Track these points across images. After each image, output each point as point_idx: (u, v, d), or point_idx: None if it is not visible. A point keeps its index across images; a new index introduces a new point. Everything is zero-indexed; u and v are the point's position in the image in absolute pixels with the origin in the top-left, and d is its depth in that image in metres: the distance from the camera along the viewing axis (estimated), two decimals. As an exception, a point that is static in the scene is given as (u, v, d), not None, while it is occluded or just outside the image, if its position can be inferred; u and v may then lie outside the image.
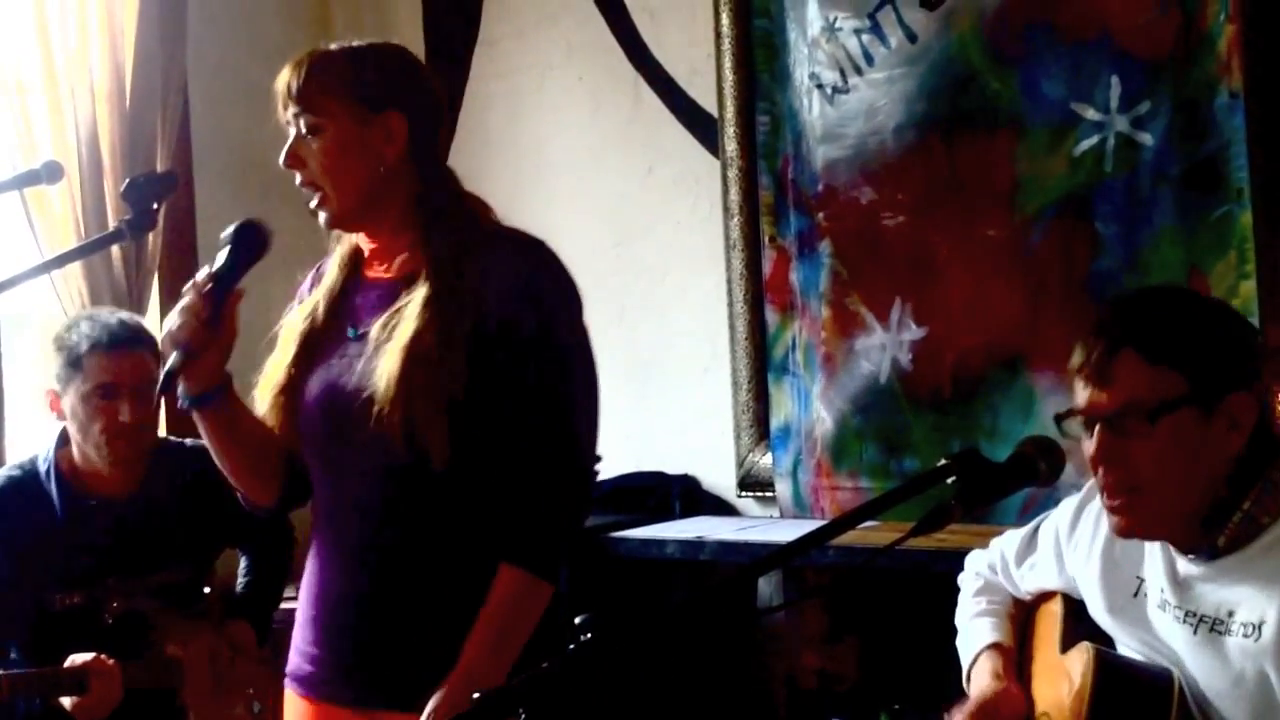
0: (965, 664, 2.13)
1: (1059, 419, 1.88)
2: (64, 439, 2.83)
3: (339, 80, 2.05)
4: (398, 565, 2.04)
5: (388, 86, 2.07)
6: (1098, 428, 1.81)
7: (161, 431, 4.07)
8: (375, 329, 2.04)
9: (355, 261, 2.17)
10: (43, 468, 2.80)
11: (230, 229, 2.09)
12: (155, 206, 2.21)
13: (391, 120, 2.05)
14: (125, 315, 2.86)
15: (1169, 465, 1.78)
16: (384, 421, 1.97)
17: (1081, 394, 1.83)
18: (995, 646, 2.10)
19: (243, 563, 3.01)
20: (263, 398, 2.14)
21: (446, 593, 2.02)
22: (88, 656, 2.61)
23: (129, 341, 2.77)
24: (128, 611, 2.70)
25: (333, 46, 2.11)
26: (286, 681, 2.18)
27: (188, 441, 3.09)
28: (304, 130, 2.06)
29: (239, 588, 3.00)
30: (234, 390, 2.11)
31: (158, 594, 2.80)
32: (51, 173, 2.42)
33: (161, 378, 2.01)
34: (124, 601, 2.72)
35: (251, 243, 2.09)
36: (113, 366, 2.74)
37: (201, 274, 2.06)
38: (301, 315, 2.15)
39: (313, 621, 2.13)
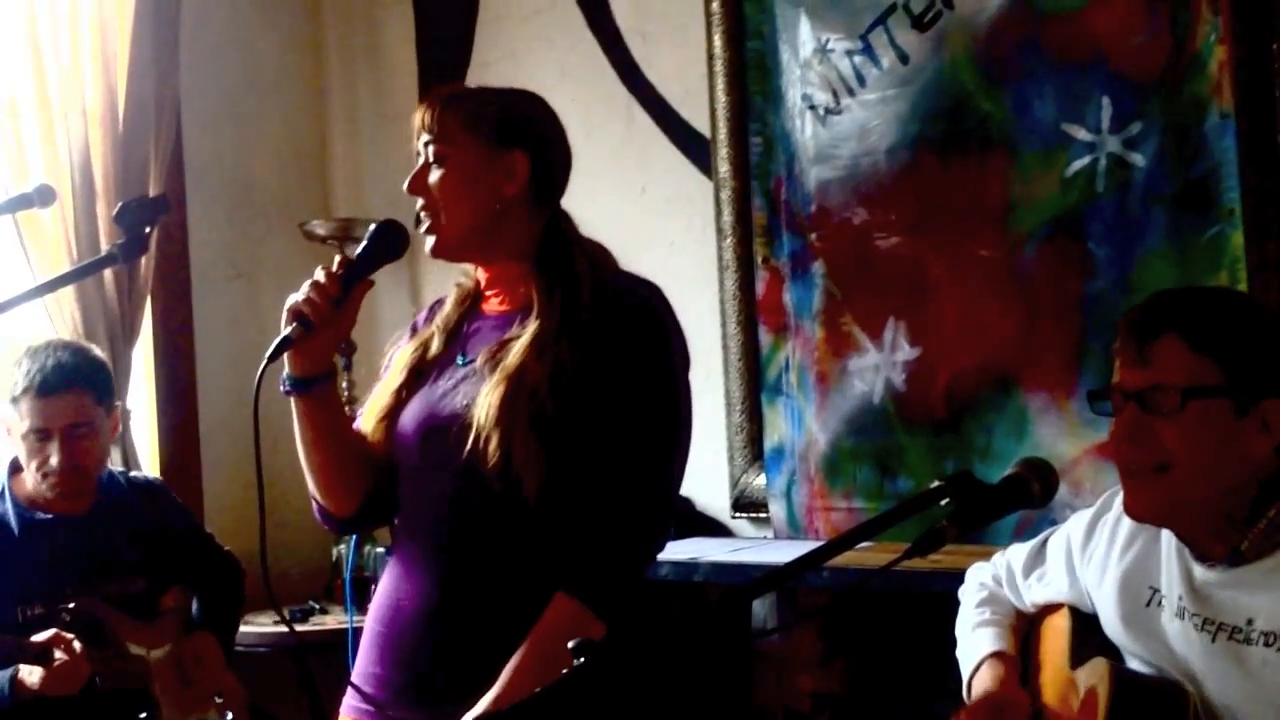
0: (966, 673, 2.12)
1: (1092, 397, 1.90)
2: (17, 464, 2.93)
3: (469, 114, 2.10)
4: (473, 589, 2.05)
5: (515, 126, 2.12)
6: (1127, 405, 1.83)
7: (137, 450, 4.07)
8: (481, 357, 2.08)
9: (474, 296, 2.21)
10: None
11: (375, 224, 2.15)
12: (148, 230, 2.22)
13: (515, 159, 2.10)
14: (65, 354, 2.90)
15: (1195, 447, 1.79)
16: (480, 449, 1.99)
17: (1118, 373, 1.85)
18: (998, 655, 2.09)
19: (195, 602, 3.05)
20: (368, 420, 2.18)
21: (518, 619, 2.01)
22: (50, 633, 2.68)
23: (60, 386, 2.84)
24: (86, 615, 2.76)
25: (471, 85, 2.20)
26: (344, 708, 2.16)
27: (133, 475, 3.19)
28: (431, 159, 2.11)
29: (194, 616, 3.05)
30: (336, 384, 2.14)
31: (115, 603, 2.86)
32: (44, 196, 2.42)
33: (275, 344, 2.03)
34: (81, 604, 2.77)
35: (391, 241, 2.13)
36: (43, 411, 2.84)
37: (336, 259, 2.11)
38: (414, 346, 2.20)
39: (378, 638, 2.13)
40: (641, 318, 2.08)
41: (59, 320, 3.73)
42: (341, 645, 3.59)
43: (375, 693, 2.11)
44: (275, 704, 3.71)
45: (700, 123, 3.74)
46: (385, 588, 2.17)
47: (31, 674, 2.65)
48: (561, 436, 1.99)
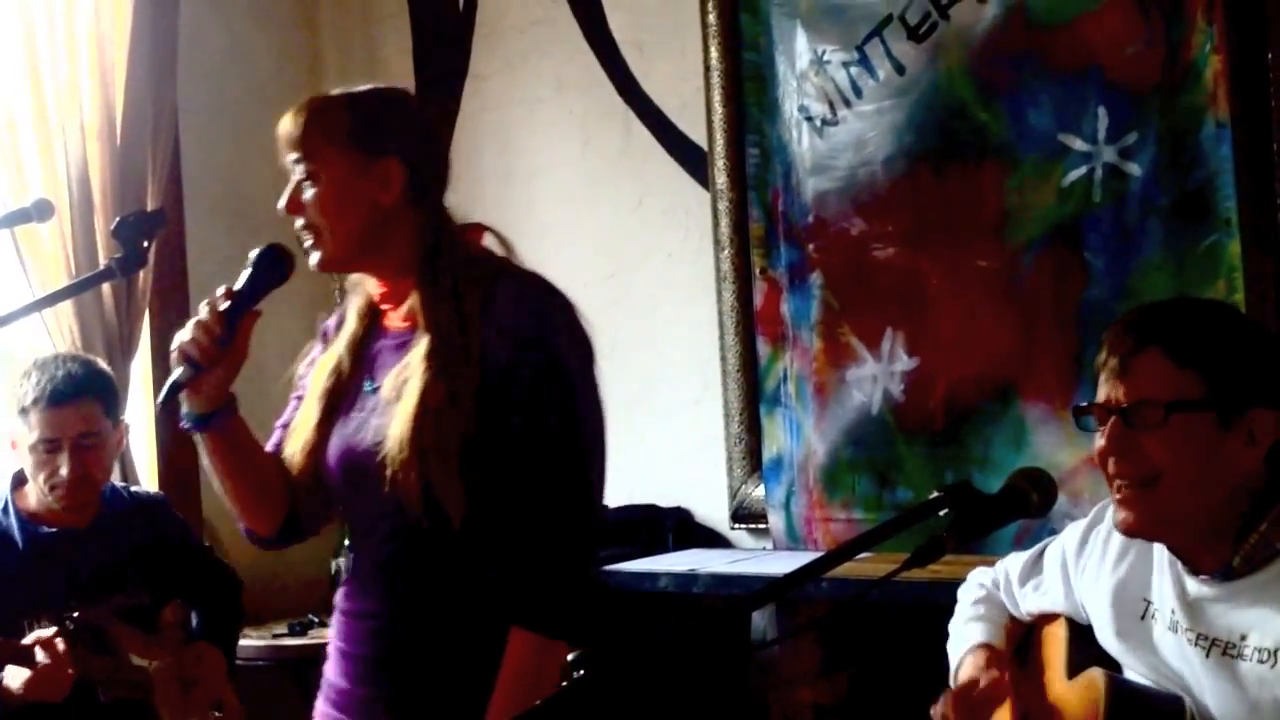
0: (953, 663, 2.13)
1: (1076, 413, 1.90)
2: (20, 478, 2.93)
3: (335, 127, 2.04)
4: (414, 607, 2.04)
5: (384, 132, 2.05)
6: (1111, 420, 1.82)
7: (147, 452, 4.07)
8: (387, 385, 2.03)
9: (374, 309, 2.15)
10: None
11: (255, 251, 2.08)
12: (146, 244, 2.22)
13: (389, 166, 2.03)
14: (74, 365, 2.91)
15: (1182, 459, 1.78)
16: (399, 483, 1.96)
17: (1102, 389, 1.85)
18: (985, 646, 2.10)
19: (194, 617, 3.04)
20: (291, 453, 2.13)
21: (465, 631, 2.01)
22: (35, 635, 2.65)
23: (70, 396, 2.84)
24: (90, 625, 2.75)
25: (334, 92, 2.10)
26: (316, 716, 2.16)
27: (135, 489, 3.20)
28: (303, 176, 2.05)
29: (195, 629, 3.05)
30: (239, 414, 2.10)
31: (118, 615, 2.86)
32: (42, 211, 2.43)
33: (165, 389, 2.00)
34: (85, 614, 2.77)
35: (274, 267, 2.07)
36: (53, 421, 2.83)
37: (220, 291, 2.05)
38: (326, 369, 2.14)
39: (337, 652, 2.13)
40: (529, 320, 2.01)
41: (57, 335, 3.72)
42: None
43: (342, 705, 2.10)
44: (271, 717, 3.69)
45: (697, 134, 3.75)
46: (339, 602, 2.15)
47: (15, 677, 2.62)
48: (473, 457, 1.95)
